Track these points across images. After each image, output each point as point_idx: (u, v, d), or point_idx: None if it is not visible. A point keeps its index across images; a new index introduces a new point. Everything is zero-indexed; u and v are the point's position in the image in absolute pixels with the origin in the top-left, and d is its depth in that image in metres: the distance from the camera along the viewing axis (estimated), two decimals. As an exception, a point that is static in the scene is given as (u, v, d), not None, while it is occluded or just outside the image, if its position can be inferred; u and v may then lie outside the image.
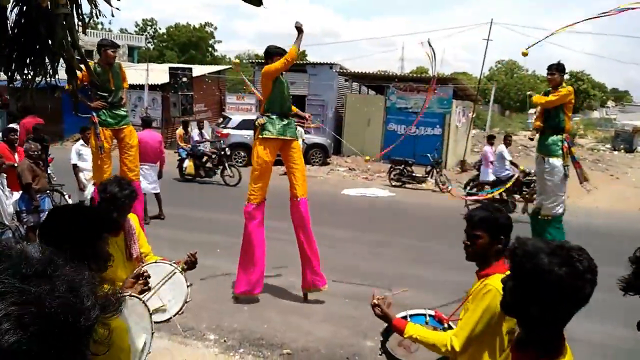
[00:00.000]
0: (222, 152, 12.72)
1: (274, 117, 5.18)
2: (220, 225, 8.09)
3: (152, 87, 20.02)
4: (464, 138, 19.09)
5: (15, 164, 6.76)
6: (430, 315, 2.50)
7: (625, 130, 29.66)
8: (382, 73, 22.92)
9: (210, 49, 53.37)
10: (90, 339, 0.75)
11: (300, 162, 5.36)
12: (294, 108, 5.49)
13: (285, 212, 5.49)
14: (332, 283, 5.75)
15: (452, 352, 2.15)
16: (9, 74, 2.23)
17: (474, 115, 20.42)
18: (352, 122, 18.79)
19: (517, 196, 10.82)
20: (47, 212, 4.20)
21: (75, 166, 7.84)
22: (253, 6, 2.15)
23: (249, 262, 5.34)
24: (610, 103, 59.17)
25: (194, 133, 12.94)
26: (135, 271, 2.50)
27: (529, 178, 10.33)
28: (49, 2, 1.90)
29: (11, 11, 2.10)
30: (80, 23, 2.20)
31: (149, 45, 48.74)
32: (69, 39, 2.09)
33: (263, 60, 5.53)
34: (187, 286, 2.76)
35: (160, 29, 54.07)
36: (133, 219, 3.04)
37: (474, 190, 12.70)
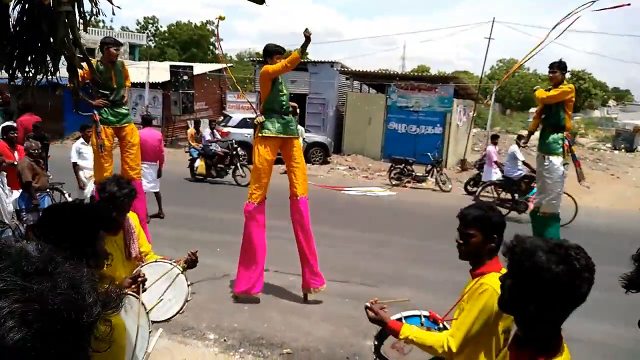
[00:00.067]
0: (234, 152, 12.61)
1: (273, 115, 5.18)
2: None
3: (153, 85, 20.02)
4: (464, 137, 19.08)
5: (15, 162, 6.76)
6: (424, 316, 2.48)
7: (626, 129, 29.65)
8: (383, 72, 22.89)
9: (211, 47, 53.33)
10: (91, 335, 0.75)
11: (300, 160, 5.35)
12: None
13: (286, 210, 5.48)
14: (332, 283, 5.75)
15: (448, 352, 2.14)
16: (10, 71, 2.23)
17: (474, 114, 20.40)
18: (353, 121, 18.78)
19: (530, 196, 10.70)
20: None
21: (75, 164, 7.83)
22: (256, 4, 2.14)
23: (249, 261, 5.34)
24: (611, 102, 59.12)
25: (206, 132, 12.86)
26: (134, 272, 2.51)
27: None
28: (50, 0, 1.90)
29: (13, 9, 2.09)
30: (81, 21, 2.20)
31: (150, 43, 48.71)
32: (71, 36, 2.08)
33: (263, 59, 5.51)
34: (188, 285, 2.76)
35: (161, 27, 54.15)
36: (133, 217, 3.04)
37: (475, 189, 12.73)
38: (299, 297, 5.51)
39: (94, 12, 2.27)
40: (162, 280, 2.71)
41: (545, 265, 1.43)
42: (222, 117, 18.44)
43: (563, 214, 9.25)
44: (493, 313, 2.09)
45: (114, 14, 2.37)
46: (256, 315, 5.11)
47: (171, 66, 20.07)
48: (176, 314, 2.70)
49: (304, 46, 4.94)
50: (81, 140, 8.05)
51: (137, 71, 19.51)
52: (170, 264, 2.82)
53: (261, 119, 5.19)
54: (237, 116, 17.27)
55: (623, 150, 26.51)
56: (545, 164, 6.14)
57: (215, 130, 13.16)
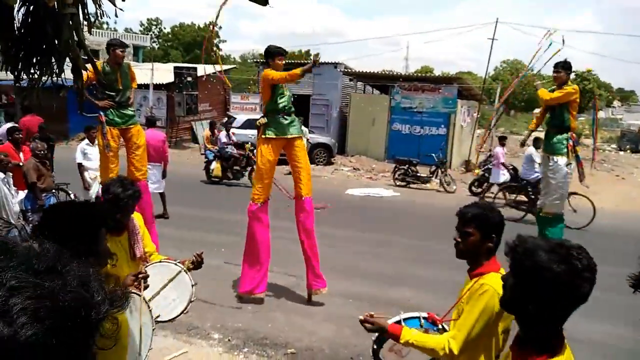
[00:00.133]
0: (250, 154, 12.50)
1: (276, 116, 5.19)
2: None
3: (157, 87, 20.09)
4: (468, 138, 19.04)
5: (21, 163, 6.80)
6: (424, 318, 2.46)
7: (631, 130, 29.60)
8: (387, 73, 22.88)
9: (215, 48, 53.48)
10: (98, 333, 0.76)
11: (304, 160, 5.35)
12: (300, 70, 5.00)
13: (289, 211, 5.49)
14: (335, 283, 5.76)
15: (450, 355, 2.12)
16: (15, 73, 2.25)
17: (478, 115, 20.36)
18: (357, 122, 18.78)
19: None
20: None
21: (80, 165, 7.87)
22: (259, 6, 2.15)
23: (253, 261, 5.35)
24: (616, 103, 58.86)
25: (222, 135, 12.80)
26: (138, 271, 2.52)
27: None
28: (55, 2, 1.91)
29: (18, 11, 2.11)
30: (86, 23, 2.21)
31: (153, 44, 48.92)
32: (75, 38, 2.10)
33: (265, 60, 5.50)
34: (192, 285, 2.77)
35: (165, 28, 54.43)
36: (137, 218, 3.05)
37: (479, 190, 12.70)
38: (303, 298, 5.52)
39: (98, 14, 2.29)
40: (166, 280, 2.72)
41: (547, 264, 1.43)
42: (225, 118, 18.49)
43: (580, 217, 9.33)
44: (494, 314, 2.08)
45: (117, 15, 2.38)
46: (260, 315, 5.12)
47: (175, 67, 20.16)
48: (180, 313, 2.71)
49: (308, 68, 5.02)
50: (86, 141, 8.09)
51: (141, 72, 19.55)
52: (175, 264, 2.83)
53: (263, 121, 5.20)
54: (241, 117, 17.29)
55: (628, 151, 26.41)
56: (550, 164, 6.13)
57: (231, 133, 13.12)
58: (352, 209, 10.93)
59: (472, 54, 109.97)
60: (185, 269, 2.81)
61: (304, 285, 5.51)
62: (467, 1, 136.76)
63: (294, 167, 5.38)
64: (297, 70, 5.00)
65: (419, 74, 30.29)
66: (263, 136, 5.20)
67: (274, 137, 5.18)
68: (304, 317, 5.14)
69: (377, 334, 2.37)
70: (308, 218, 5.30)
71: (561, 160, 6.03)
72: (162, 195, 8.76)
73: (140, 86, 19.17)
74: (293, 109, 5.31)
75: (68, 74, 2.30)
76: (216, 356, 4.31)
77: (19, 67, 2.23)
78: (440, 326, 2.42)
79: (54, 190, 7.03)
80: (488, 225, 2.22)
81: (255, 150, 12.76)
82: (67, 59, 2.22)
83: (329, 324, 4.99)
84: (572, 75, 6.40)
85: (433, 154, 14.37)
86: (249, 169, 12.41)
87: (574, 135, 6.18)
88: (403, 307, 5.19)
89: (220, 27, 55.01)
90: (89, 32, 2.24)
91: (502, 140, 12.42)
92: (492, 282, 2.11)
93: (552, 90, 6.15)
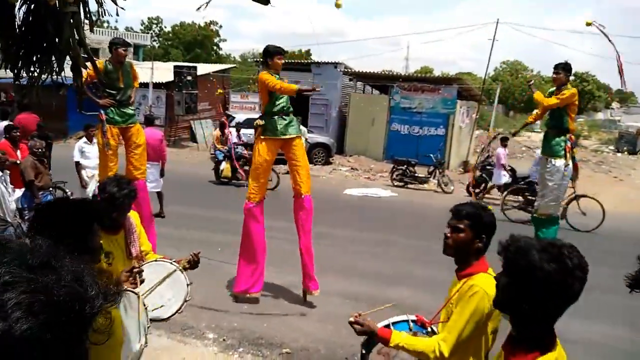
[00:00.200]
0: None
1: (274, 117, 5.19)
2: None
3: (157, 85, 20.07)
4: (467, 139, 19.06)
5: (18, 161, 6.79)
6: (412, 321, 2.44)
7: (629, 132, 29.58)
8: (387, 73, 22.88)
9: (215, 47, 53.48)
10: (91, 328, 0.77)
11: (303, 158, 5.33)
12: (296, 87, 5.22)
13: (287, 211, 5.49)
14: (332, 283, 5.77)
15: (440, 357, 2.11)
16: (16, 71, 2.25)
17: (477, 116, 20.37)
18: (356, 122, 18.78)
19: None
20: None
21: (77, 163, 7.86)
22: (261, 5, 2.16)
23: (249, 260, 5.35)
24: (614, 104, 58.96)
25: (232, 135, 12.70)
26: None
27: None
28: (56, 0, 1.92)
29: (19, 9, 2.11)
30: (87, 21, 2.22)
31: (154, 43, 48.84)
32: (76, 37, 2.10)
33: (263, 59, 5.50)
34: (187, 285, 2.77)
35: (165, 27, 54.30)
36: (134, 217, 3.05)
37: (477, 191, 12.70)
38: (299, 297, 5.52)
39: (100, 13, 2.29)
40: (161, 279, 2.72)
41: (538, 263, 1.45)
42: (225, 117, 18.48)
43: (590, 220, 9.35)
44: (484, 315, 2.09)
45: (118, 14, 2.39)
46: (256, 315, 5.12)
47: (175, 66, 20.15)
48: (175, 313, 2.71)
49: (305, 92, 5.22)
50: (84, 139, 8.07)
51: (141, 71, 19.38)
52: (171, 263, 2.83)
53: (261, 122, 5.21)
54: (240, 116, 17.28)
55: (626, 152, 26.41)
56: (548, 166, 6.14)
57: (241, 133, 13.02)
58: (350, 209, 10.94)
59: (473, 54, 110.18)
60: (180, 268, 2.81)
61: (300, 285, 5.52)
62: (468, 1, 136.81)
63: (292, 166, 5.37)
64: (294, 87, 5.07)
65: (419, 74, 30.28)
66: (262, 136, 5.21)
67: (272, 137, 5.19)
68: (300, 317, 5.14)
69: (366, 338, 2.35)
70: (308, 218, 5.30)
71: (559, 162, 6.04)
72: (159, 194, 8.75)
73: (139, 85, 19.12)
74: (291, 109, 5.30)
75: (68, 72, 2.31)
76: (211, 356, 4.31)
77: (19, 65, 2.24)
78: (429, 328, 2.41)
79: (51, 189, 7.03)
80: (480, 225, 2.23)
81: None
82: (67, 57, 2.23)
83: (325, 324, 5.00)
84: (571, 77, 6.38)
85: (431, 155, 14.38)
86: None
87: (572, 137, 6.19)
88: (401, 307, 5.21)
89: (221, 26, 54.97)
90: (91, 30, 2.25)
91: (503, 141, 12.33)
92: (482, 283, 2.12)
93: (552, 93, 6.16)
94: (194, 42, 50.55)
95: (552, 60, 6.09)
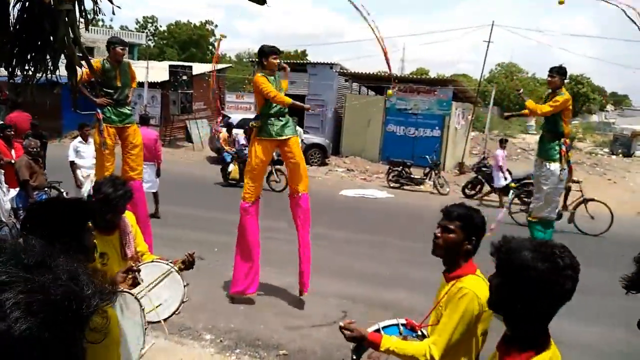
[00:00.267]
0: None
1: (270, 119, 5.17)
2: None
3: (152, 85, 20.00)
4: (462, 140, 19.10)
5: (13, 161, 6.74)
6: (402, 324, 2.43)
7: (623, 134, 29.71)
8: (382, 74, 22.91)
9: (210, 47, 53.37)
10: (87, 326, 0.77)
11: (299, 157, 5.33)
12: (290, 101, 5.28)
13: (283, 211, 5.47)
14: (329, 284, 5.75)
15: None
16: (10, 69, 2.23)
17: (473, 118, 20.42)
18: (352, 123, 18.79)
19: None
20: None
21: (72, 163, 7.81)
22: (257, 5, 2.14)
23: (245, 259, 5.33)
24: (609, 107, 59.29)
25: (240, 137, 12.57)
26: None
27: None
28: (51, -1, 1.90)
29: (13, 7, 2.09)
30: (82, 20, 2.19)
31: (149, 42, 48.72)
32: (71, 35, 2.08)
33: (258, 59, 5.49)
34: (184, 286, 2.75)
35: (160, 26, 54.20)
36: (130, 217, 3.03)
37: (473, 193, 12.72)
38: (296, 298, 5.50)
39: (95, 11, 2.27)
40: (157, 280, 2.70)
41: (530, 263, 1.47)
42: (220, 117, 18.44)
43: (598, 223, 9.38)
44: (474, 317, 2.09)
45: (114, 13, 2.37)
46: (252, 316, 5.11)
47: (170, 66, 20.07)
48: (172, 314, 2.69)
49: (298, 107, 5.37)
50: (79, 139, 8.03)
51: (136, 70, 19.45)
52: (167, 264, 2.81)
53: (256, 123, 5.20)
54: (235, 116, 17.25)
55: (620, 155, 26.55)
56: (543, 170, 6.15)
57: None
58: (346, 210, 10.93)
59: (470, 55, 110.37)
60: (176, 268, 2.80)
61: (296, 287, 5.50)
62: (467, 1, 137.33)
63: (288, 165, 5.37)
64: (288, 100, 5.13)
65: (415, 76, 30.34)
66: (257, 137, 5.20)
67: (268, 138, 5.18)
68: (297, 318, 5.12)
69: (355, 345, 2.32)
70: (306, 217, 5.29)
71: (553, 166, 6.05)
72: (155, 194, 8.71)
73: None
74: (287, 109, 5.30)
75: (62, 71, 2.28)
76: (208, 357, 4.30)
77: (14, 63, 2.22)
78: (419, 332, 2.40)
79: (46, 189, 6.98)
80: (471, 226, 2.24)
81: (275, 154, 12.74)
82: (62, 56, 2.20)
83: (322, 325, 4.98)
84: (566, 80, 6.38)
85: (427, 156, 14.39)
86: (267, 172, 12.21)
87: (567, 141, 6.20)
88: (397, 308, 5.21)
89: (216, 26, 54.94)
90: (86, 29, 2.22)
91: (502, 143, 12.34)
92: (471, 285, 2.12)
93: (547, 96, 6.17)
94: (189, 41, 50.44)
95: (548, 63, 6.11)
